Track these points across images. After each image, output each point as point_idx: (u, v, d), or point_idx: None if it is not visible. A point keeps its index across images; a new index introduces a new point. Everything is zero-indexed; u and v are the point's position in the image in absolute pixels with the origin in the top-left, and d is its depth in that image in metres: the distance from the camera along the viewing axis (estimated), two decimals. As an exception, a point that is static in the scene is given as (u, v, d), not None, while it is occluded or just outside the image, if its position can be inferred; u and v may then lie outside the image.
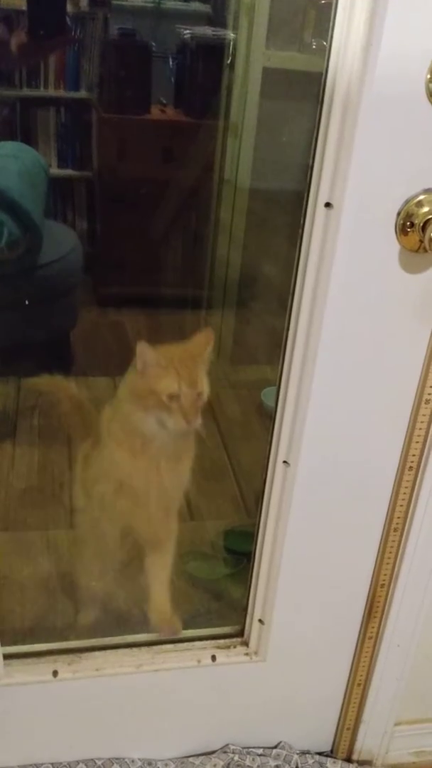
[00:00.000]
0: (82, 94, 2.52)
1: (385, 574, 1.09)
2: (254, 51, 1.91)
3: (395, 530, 1.05)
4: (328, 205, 0.81)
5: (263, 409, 2.10)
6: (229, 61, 2.02)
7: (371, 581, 1.10)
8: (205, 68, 2.32)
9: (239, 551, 1.56)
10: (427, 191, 0.80)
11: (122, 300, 2.56)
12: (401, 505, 1.02)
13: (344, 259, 0.83)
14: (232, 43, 2.00)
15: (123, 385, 1.12)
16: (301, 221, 0.85)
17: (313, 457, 0.98)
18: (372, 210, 0.81)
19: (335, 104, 0.78)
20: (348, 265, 0.84)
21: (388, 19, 0.72)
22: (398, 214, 0.81)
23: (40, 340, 2.15)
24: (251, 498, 1.82)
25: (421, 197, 0.80)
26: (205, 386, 1.07)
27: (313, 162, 0.82)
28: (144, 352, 1.03)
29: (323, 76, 0.78)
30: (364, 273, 0.84)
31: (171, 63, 2.45)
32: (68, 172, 2.59)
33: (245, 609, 1.15)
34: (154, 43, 2.39)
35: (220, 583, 1.51)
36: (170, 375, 1.04)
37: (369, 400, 0.94)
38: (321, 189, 0.81)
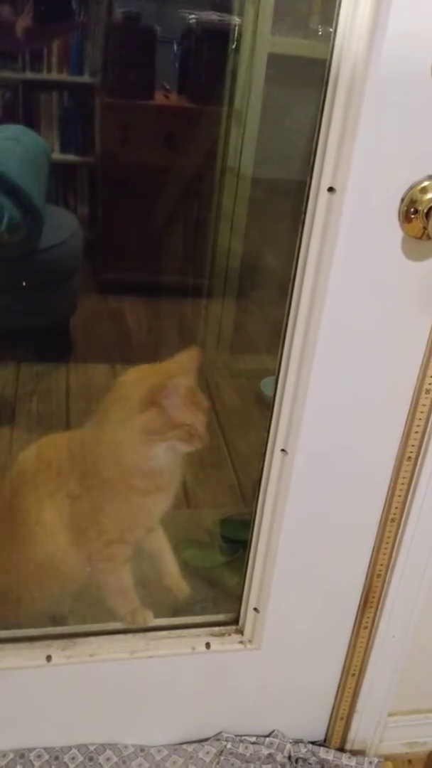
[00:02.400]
0: (86, 78, 2.50)
1: (382, 565, 1.08)
2: (259, 37, 1.89)
3: (392, 521, 1.04)
4: (330, 189, 0.80)
5: (262, 398, 2.09)
6: (234, 47, 2.00)
7: (367, 571, 1.10)
8: (210, 54, 2.30)
9: (235, 540, 1.56)
10: (431, 177, 0.79)
11: (122, 287, 2.55)
12: (399, 496, 1.02)
13: (346, 245, 0.82)
14: (237, 28, 1.98)
15: (124, 430, 1.02)
16: (304, 206, 0.84)
17: (312, 446, 0.97)
18: (375, 195, 0.80)
19: (340, 87, 0.77)
20: (350, 252, 0.83)
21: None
22: (402, 200, 0.80)
23: (39, 326, 2.14)
24: (248, 487, 1.82)
25: (426, 183, 0.79)
26: (206, 402, 1.05)
27: (316, 146, 0.80)
28: (176, 388, 0.99)
29: (328, 57, 0.77)
30: (365, 260, 0.83)
31: (175, 48, 2.43)
32: (70, 156, 2.57)
33: (240, 597, 1.15)
34: (158, 28, 2.37)
35: (215, 572, 1.50)
36: (187, 404, 1.01)
37: (368, 388, 0.94)
38: (324, 173, 0.80)
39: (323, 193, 0.81)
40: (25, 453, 1.15)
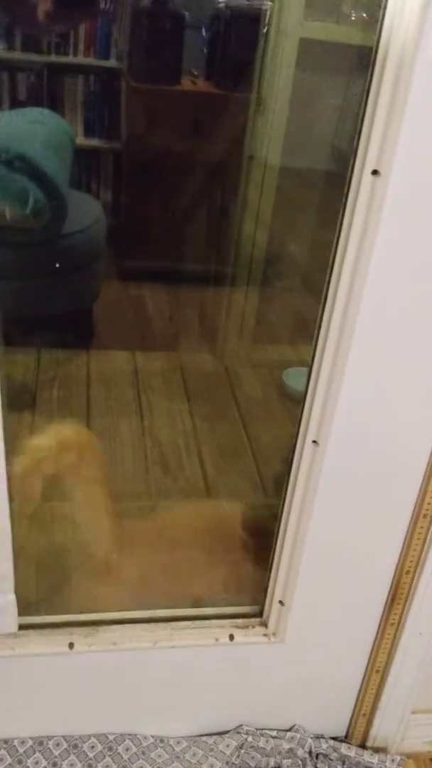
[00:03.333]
0: (112, 62, 2.47)
1: (411, 561, 1.06)
2: (291, 21, 1.85)
3: (425, 516, 1.02)
4: (375, 172, 0.78)
5: (285, 389, 2.07)
6: (264, 32, 1.97)
7: (396, 567, 1.08)
8: (239, 39, 2.27)
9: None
10: None
11: (144, 274, 2.53)
12: (432, 491, 1.00)
13: (390, 230, 0.79)
14: (268, 12, 1.95)
15: None
16: (345, 189, 0.81)
17: (344, 438, 0.95)
18: (421, 178, 0.77)
19: (387, 67, 0.74)
20: (393, 238, 0.80)
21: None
22: (448, 184, 0.78)
23: (61, 312, 2.13)
24: (269, 478, 1.80)
25: (474, 167, 0.77)
26: None
27: (361, 127, 0.78)
28: None
29: (377, 34, 0.74)
30: (409, 246, 0.81)
31: (204, 33, 2.40)
32: (95, 141, 2.56)
33: (265, 589, 1.13)
34: (187, 12, 2.34)
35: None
36: None
37: (405, 380, 0.91)
38: (368, 156, 0.77)
39: (367, 177, 0.78)
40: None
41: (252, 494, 1.79)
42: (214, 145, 2.39)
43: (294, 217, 2.23)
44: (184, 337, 2.42)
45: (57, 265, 1.92)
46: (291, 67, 1.91)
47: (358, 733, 1.24)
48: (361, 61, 0.81)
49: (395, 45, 0.73)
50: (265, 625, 1.14)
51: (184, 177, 2.45)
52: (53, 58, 2.47)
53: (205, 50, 2.42)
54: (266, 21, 1.95)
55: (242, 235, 2.29)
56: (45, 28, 2.36)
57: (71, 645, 1.07)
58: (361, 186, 0.79)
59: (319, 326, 0.91)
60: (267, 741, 1.20)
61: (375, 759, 1.21)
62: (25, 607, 1.06)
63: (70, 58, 2.48)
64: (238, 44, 2.28)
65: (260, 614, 1.15)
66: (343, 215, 0.82)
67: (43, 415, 1.90)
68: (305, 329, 0.94)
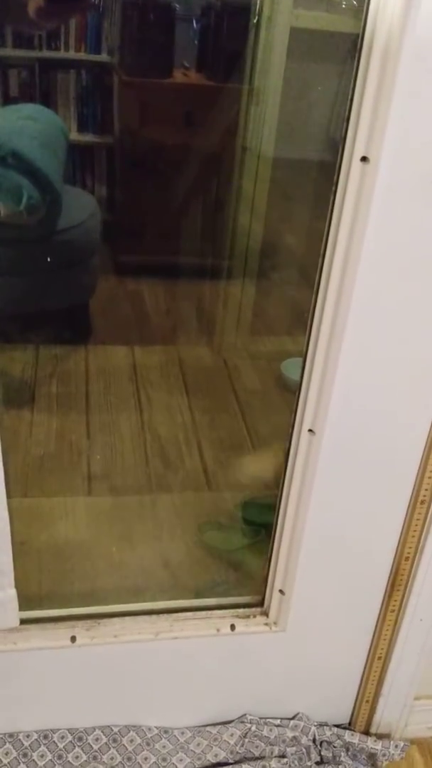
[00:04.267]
0: (104, 56, 2.47)
1: (410, 547, 1.06)
2: (282, 11, 1.85)
3: (422, 502, 1.02)
4: (364, 159, 0.78)
5: (283, 380, 2.07)
6: (254, 22, 1.96)
7: (395, 554, 1.08)
8: (230, 30, 2.26)
9: (257, 523, 1.54)
10: (469, 146, 0.77)
11: (141, 268, 2.53)
12: (429, 477, 1.00)
13: (379, 218, 0.79)
14: (258, 2, 1.94)
15: None
16: (335, 177, 0.81)
17: (340, 426, 0.95)
18: (410, 164, 0.77)
19: (374, 53, 0.74)
20: (383, 224, 0.80)
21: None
22: (437, 170, 0.78)
23: (58, 308, 2.13)
24: (270, 469, 1.80)
25: (463, 152, 0.76)
26: None
27: (349, 114, 0.78)
28: None
29: (362, 21, 0.74)
30: (400, 232, 0.81)
31: (194, 25, 2.39)
32: (88, 136, 2.55)
33: (265, 579, 1.13)
34: (177, 5, 2.33)
35: (237, 554, 1.50)
36: None
37: (399, 367, 0.91)
38: (357, 142, 0.77)
39: (356, 163, 0.78)
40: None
41: (253, 486, 1.79)
42: (207, 138, 2.38)
43: (289, 207, 2.23)
44: (182, 330, 2.42)
45: (52, 261, 1.92)
46: (282, 57, 1.90)
47: (361, 720, 1.25)
48: (352, 49, 0.80)
49: (381, 32, 0.73)
50: (266, 614, 1.14)
51: (178, 170, 2.44)
52: (45, 53, 2.46)
53: (196, 42, 2.41)
54: (257, 11, 1.94)
55: (238, 227, 2.29)
56: (36, 24, 2.35)
57: (73, 638, 1.08)
58: (351, 173, 0.79)
59: (313, 315, 0.91)
60: (271, 730, 1.20)
61: (378, 745, 1.22)
62: (26, 601, 1.06)
63: (61, 54, 2.47)
64: (229, 35, 2.28)
65: (261, 604, 1.15)
66: (333, 203, 0.82)
67: (41, 411, 1.90)
68: (302, 320, 0.94)
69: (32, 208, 1.81)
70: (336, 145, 0.81)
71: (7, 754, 1.13)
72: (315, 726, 1.23)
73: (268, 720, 1.22)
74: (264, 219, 2.21)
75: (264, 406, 2.04)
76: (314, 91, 1.98)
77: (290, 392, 2.05)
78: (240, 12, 2.07)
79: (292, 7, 1.82)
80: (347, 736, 1.23)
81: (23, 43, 2.43)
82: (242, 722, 1.21)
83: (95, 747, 1.16)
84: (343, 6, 1.73)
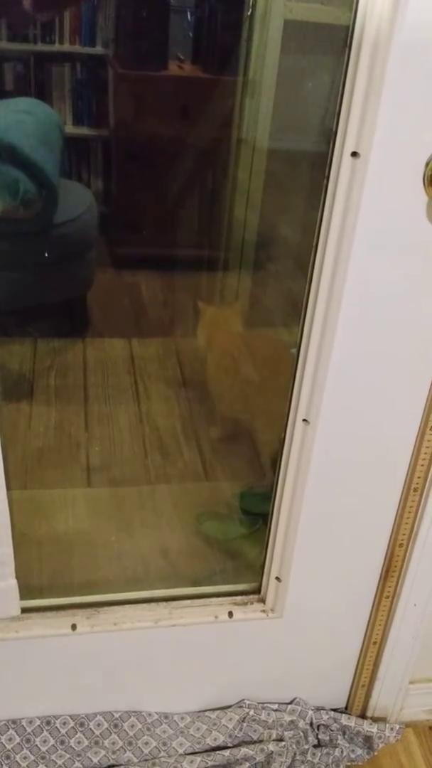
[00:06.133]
0: (98, 49, 2.46)
1: (404, 534, 1.08)
2: (276, 3, 1.85)
3: (415, 490, 1.04)
4: (354, 154, 0.79)
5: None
6: (249, 14, 1.96)
7: (389, 541, 1.10)
8: (225, 22, 2.26)
9: (255, 512, 1.56)
10: (457, 140, 0.78)
11: (138, 261, 2.54)
12: (422, 465, 1.02)
13: (370, 211, 0.81)
14: (252, -6, 1.95)
15: None
16: (326, 172, 0.83)
17: (333, 416, 0.97)
18: (400, 159, 0.78)
19: (363, 49, 0.75)
20: (374, 217, 0.81)
21: None
22: (427, 164, 0.79)
23: (55, 301, 2.14)
24: (267, 459, 1.82)
25: (451, 147, 0.78)
26: None
27: (339, 110, 0.79)
28: None
29: (351, 17, 0.75)
30: (389, 225, 0.82)
31: (189, 16, 2.39)
32: (83, 129, 2.55)
33: (262, 567, 1.15)
34: (171, -4, 2.33)
35: (235, 544, 1.51)
36: None
37: (392, 357, 0.93)
38: (347, 138, 0.79)
39: (347, 158, 0.80)
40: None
41: (250, 476, 1.81)
42: (202, 130, 2.39)
43: (284, 199, 2.24)
44: (179, 322, 2.43)
45: (49, 255, 1.93)
46: (276, 49, 1.90)
47: (357, 703, 1.27)
48: (346, 42, 0.81)
49: (370, 27, 0.74)
50: (263, 601, 1.16)
51: (174, 162, 2.45)
52: (39, 46, 2.46)
53: (191, 34, 2.41)
54: (251, 3, 1.94)
55: (233, 219, 2.30)
56: (31, 16, 2.35)
57: (74, 626, 1.10)
58: (342, 168, 0.80)
59: (306, 307, 0.93)
60: (269, 714, 1.23)
61: (374, 728, 1.24)
62: (27, 590, 1.08)
63: (56, 47, 2.46)
64: (224, 27, 2.27)
65: (258, 591, 1.17)
66: (324, 197, 0.84)
67: (40, 403, 1.92)
68: (298, 311, 0.95)
69: (29, 202, 1.82)
70: (330, 135, 0.82)
71: (10, 740, 1.16)
72: (312, 710, 1.25)
73: (266, 704, 1.24)
74: (259, 210, 2.22)
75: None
76: (308, 83, 1.99)
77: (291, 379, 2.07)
78: (234, 4, 2.07)
79: (286, -1, 1.83)
80: (344, 719, 1.25)
81: (18, 36, 2.43)
82: (240, 707, 1.23)
83: (97, 732, 1.19)
84: (337, -2, 1.73)
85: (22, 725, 1.17)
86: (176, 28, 2.37)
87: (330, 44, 1.82)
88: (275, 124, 2.08)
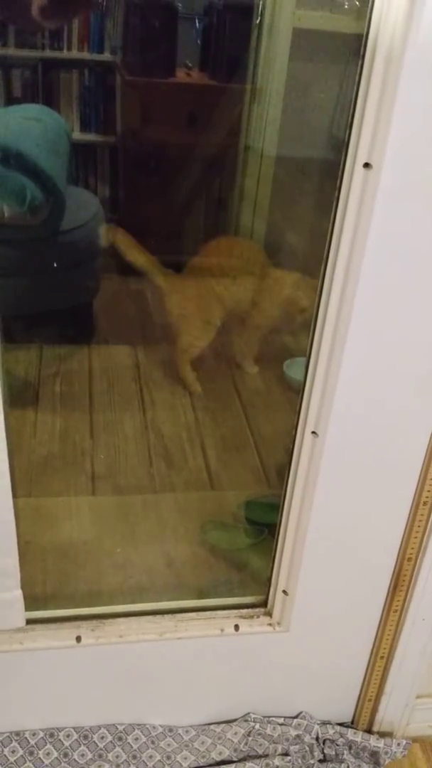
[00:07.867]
0: (106, 56, 2.46)
1: (413, 548, 1.07)
2: (284, 11, 1.85)
3: (425, 504, 1.03)
4: (366, 165, 0.78)
5: (285, 380, 2.07)
6: (257, 22, 1.96)
7: (398, 555, 1.09)
8: (233, 29, 2.26)
9: (260, 522, 1.55)
10: (470, 152, 0.77)
11: (144, 268, 2.53)
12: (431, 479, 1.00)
13: (382, 223, 0.80)
14: (261, 2, 1.95)
15: None
16: (338, 183, 0.82)
17: (343, 428, 0.96)
18: (413, 171, 0.78)
19: (377, 59, 0.75)
20: (386, 229, 0.81)
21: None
22: (440, 176, 0.78)
23: (61, 308, 2.14)
24: (272, 469, 1.81)
25: (465, 158, 0.77)
26: None
27: (351, 121, 0.78)
28: None
29: (365, 29, 0.74)
30: (402, 237, 0.81)
31: (197, 24, 2.39)
32: (91, 136, 2.55)
33: (269, 579, 1.14)
34: (180, 4, 2.33)
35: (240, 554, 1.50)
36: None
37: (402, 370, 0.92)
38: (360, 148, 0.78)
39: (359, 169, 0.79)
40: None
41: (255, 485, 1.80)
42: (210, 137, 2.39)
43: (291, 206, 2.24)
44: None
45: (55, 263, 1.93)
46: (285, 57, 1.91)
47: (364, 718, 1.26)
48: (354, 49, 0.81)
49: (384, 37, 0.74)
50: (269, 614, 1.15)
51: (182, 169, 2.45)
52: (48, 53, 2.46)
53: (199, 42, 2.41)
54: (259, 11, 1.95)
55: (240, 226, 2.30)
56: (40, 24, 2.35)
57: (78, 638, 1.09)
58: (354, 179, 0.80)
59: (316, 317, 0.92)
60: (274, 728, 1.21)
61: (381, 743, 1.23)
62: (32, 601, 1.07)
63: (64, 53, 2.47)
64: (232, 35, 2.27)
65: (264, 604, 1.16)
66: (336, 208, 0.83)
67: (46, 410, 1.91)
68: (312, 317, 0.95)
69: (36, 209, 1.82)
70: (338, 144, 0.82)
71: (13, 752, 1.15)
72: (318, 724, 1.24)
73: (271, 718, 1.23)
74: (267, 217, 2.22)
75: (266, 406, 2.05)
76: (316, 91, 1.98)
77: (293, 392, 2.06)
78: (243, 11, 2.07)
79: (295, 8, 1.83)
80: (350, 734, 1.24)
81: (26, 43, 2.43)
82: (246, 721, 1.22)
83: (101, 745, 1.17)
84: (346, 6, 1.73)
85: (26, 737, 1.16)
86: (184, 36, 2.37)
87: (339, 53, 1.82)
88: (283, 132, 2.08)
